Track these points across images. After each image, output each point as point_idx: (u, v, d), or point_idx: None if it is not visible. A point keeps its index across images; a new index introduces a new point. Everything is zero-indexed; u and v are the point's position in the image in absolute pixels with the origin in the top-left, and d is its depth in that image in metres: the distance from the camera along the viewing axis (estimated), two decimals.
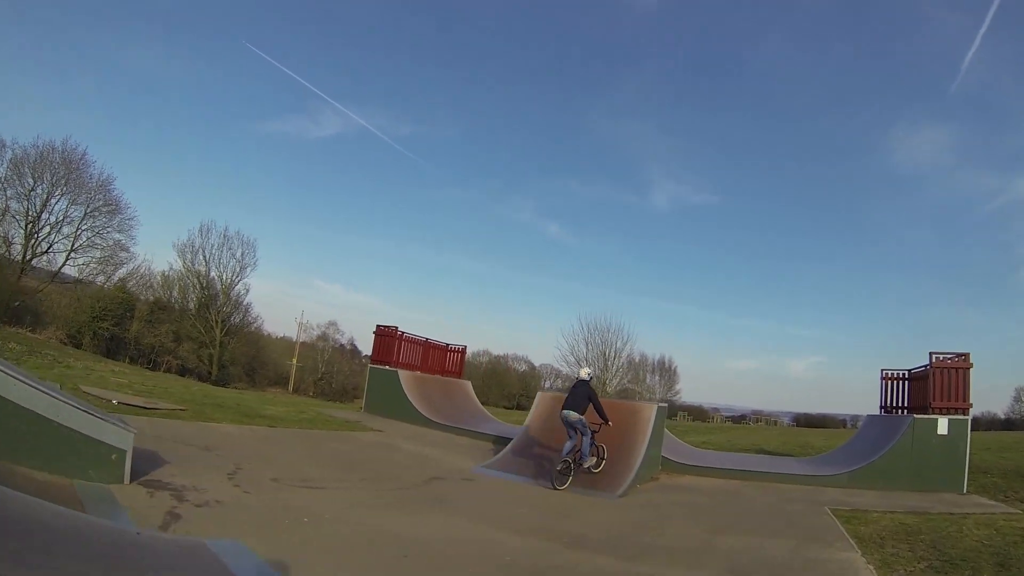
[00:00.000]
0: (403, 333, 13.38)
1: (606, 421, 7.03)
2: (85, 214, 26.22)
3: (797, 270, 64.07)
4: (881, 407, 9.67)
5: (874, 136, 59.37)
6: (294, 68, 66.45)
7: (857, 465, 8.15)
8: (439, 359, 14.37)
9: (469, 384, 14.90)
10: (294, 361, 39.28)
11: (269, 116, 64.57)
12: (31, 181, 24.58)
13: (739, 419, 47.82)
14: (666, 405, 9.54)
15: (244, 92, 58.47)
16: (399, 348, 13.15)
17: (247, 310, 36.87)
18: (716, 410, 49.38)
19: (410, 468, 7.31)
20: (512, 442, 8.84)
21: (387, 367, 12.65)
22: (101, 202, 26.72)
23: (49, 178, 24.96)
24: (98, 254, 27.26)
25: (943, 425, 7.71)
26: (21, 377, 4.00)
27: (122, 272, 29.13)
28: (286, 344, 44.23)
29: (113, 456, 4.33)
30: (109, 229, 27.22)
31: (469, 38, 65.56)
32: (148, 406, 8.07)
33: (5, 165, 23.94)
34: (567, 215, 67.01)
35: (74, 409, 4.24)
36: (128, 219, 27.85)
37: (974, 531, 5.36)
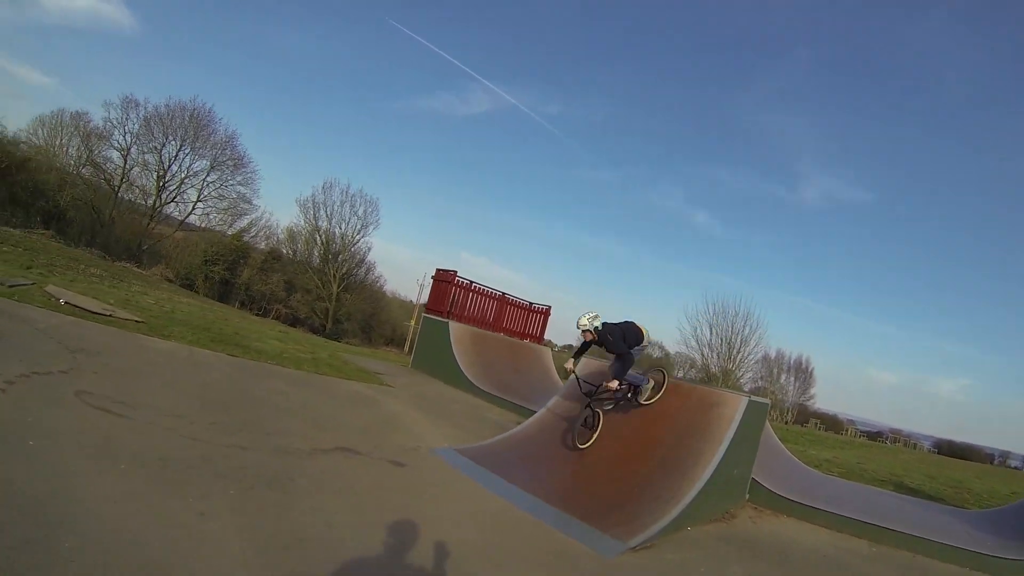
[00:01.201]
0: (471, 282, 13.35)
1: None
2: (211, 167, 34.39)
3: (956, 280, 67.69)
4: None
5: None
6: (441, 47, 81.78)
7: None
8: (517, 319, 14.29)
9: (548, 353, 14.24)
10: (412, 322, 43.24)
11: (418, 93, 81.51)
12: (162, 137, 32.80)
13: (875, 435, 49.27)
14: (767, 403, 6.92)
15: (392, 70, 75.50)
16: (460, 298, 13.11)
17: (369, 268, 43.25)
18: (851, 422, 51.80)
19: (333, 431, 6.26)
20: (520, 427, 7.37)
21: (439, 317, 12.58)
22: (226, 156, 34.80)
23: (179, 134, 33.15)
24: (223, 204, 35.50)
25: None
26: None
27: (243, 222, 36.92)
28: (410, 308, 49.47)
29: None
30: (233, 182, 35.36)
31: (618, 20, 76.77)
32: (100, 311, 8.60)
33: (139, 123, 32.23)
34: (715, 204, 76.25)
35: None
36: (251, 173, 35.87)
37: None
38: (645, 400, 6.58)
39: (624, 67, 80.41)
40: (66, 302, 8.48)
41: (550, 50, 79.43)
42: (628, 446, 6.22)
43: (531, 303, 14.69)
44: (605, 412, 6.49)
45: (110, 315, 8.72)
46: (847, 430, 47.69)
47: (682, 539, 5.04)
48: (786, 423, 38.46)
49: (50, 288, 9.15)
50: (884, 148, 72.71)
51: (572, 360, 6.77)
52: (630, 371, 6.50)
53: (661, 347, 49.95)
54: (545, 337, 15.10)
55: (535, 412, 8.33)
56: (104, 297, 10.79)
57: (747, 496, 6.56)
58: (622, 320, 6.62)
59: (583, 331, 6.29)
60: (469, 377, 11.06)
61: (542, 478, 5.92)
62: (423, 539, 3.88)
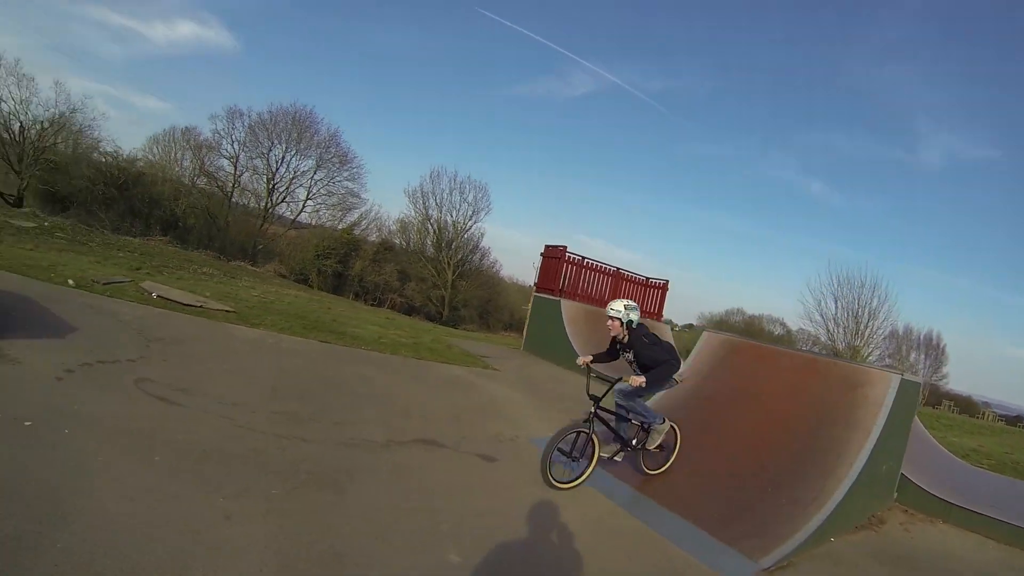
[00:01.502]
0: (583, 258, 13.95)
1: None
2: (317, 166, 39.28)
3: None
4: None
5: None
6: (535, 31, 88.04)
7: None
8: (633, 295, 14.89)
9: (667, 330, 14.52)
10: (528, 306, 44.16)
11: (520, 80, 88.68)
12: (267, 142, 37.85)
13: (1013, 420, 47.37)
14: (919, 382, 6.37)
15: (492, 59, 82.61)
16: (572, 275, 13.71)
17: (484, 254, 46.32)
18: (987, 404, 52.75)
19: (418, 420, 5.99)
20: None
21: (550, 296, 13.07)
22: (331, 154, 39.57)
23: (283, 137, 38.09)
24: (332, 200, 40.15)
25: None
26: None
27: (353, 216, 41.27)
28: (527, 292, 50.94)
29: None
30: (339, 179, 40.13)
31: None
32: (191, 303, 9.19)
33: (244, 131, 37.30)
34: (830, 172, 78.19)
35: None
36: (357, 168, 40.54)
37: None
38: (652, 457, 5.45)
39: (724, 34, 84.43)
40: (158, 295, 9.15)
41: (646, 25, 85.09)
42: (754, 433, 5.76)
43: (647, 278, 15.13)
44: (604, 459, 5.14)
45: (201, 306, 9.28)
46: (983, 413, 46.50)
47: (825, 555, 4.44)
48: None
49: (145, 284, 9.97)
50: (1008, 98, 65.69)
51: (591, 356, 5.38)
52: (646, 403, 5.41)
53: (782, 324, 50.86)
54: (663, 315, 15.52)
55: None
56: (202, 291, 11.65)
57: (895, 496, 6.08)
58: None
59: (611, 319, 5.13)
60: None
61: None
62: (501, 557, 3.29)
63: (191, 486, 3.40)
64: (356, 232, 40.27)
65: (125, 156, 32.69)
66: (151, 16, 60.25)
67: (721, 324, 50.76)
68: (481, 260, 46.04)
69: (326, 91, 72.72)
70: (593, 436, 4.95)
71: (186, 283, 12.97)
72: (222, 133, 37.23)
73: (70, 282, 8.23)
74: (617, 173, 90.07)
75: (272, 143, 38.19)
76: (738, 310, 55.05)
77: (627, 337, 5.13)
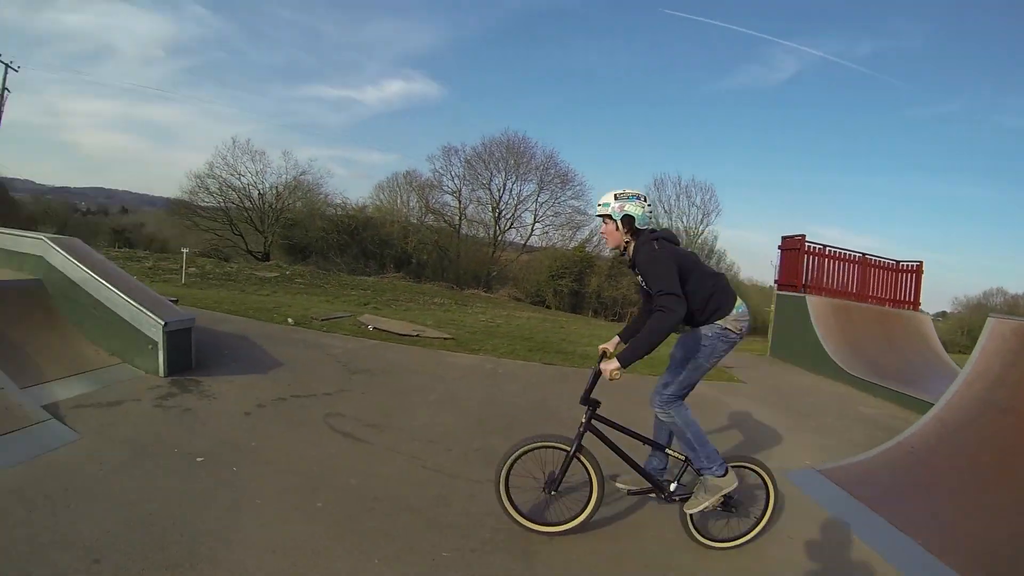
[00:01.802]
0: (824, 247, 13.78)
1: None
2: (539, 189, 43.61)
3: None
4: None
5: None
6: (722, 18, 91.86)
7: None
8: (883, 283, 14.57)
9: (927, 320, 13.88)
10: (771, 307, 43.31)
11: (722, 74, 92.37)
12: (487, 173, 42.96)
13: None
14: None
15: (685, 58, 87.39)
16: (815, 267, 13.68)
17: (720, 257, 48.46)
18: None
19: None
20: (909, 431, 5.50)
21: (793, 292, 13.05)
22: (551, 176, 43.73)
23: (501, 166, 42.92)
24: (559, 221, 43.98)
25: None
26: (93, 274, 5.81)
27: (583, 234, 44.24)
28: (768, 292, 50.70)
29: (149, 347, 5.61)
30: (564, 198, 44.08)
31: None
32: (407, 333, 9.61)
33: (462, 166, 42.96)
34: None
35: (120, 299, 5.71)
36: (579, 185, 44.63)
37: None
38: (706, 521, 3.66)
39: None
40: (374, 327, 9.70)
41: None
42: None
43: (898, 262, 14.74)
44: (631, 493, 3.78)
45: (417, 335, 9.61)
46: None
47: None
48: None
49: (363, 317, 10.72)
50: None
51: (617, 336, 3.83)
52: (690, 411, 3.58)
53: None
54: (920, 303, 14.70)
55: (921, 401, 7.66)
56: (424, 320, 12.26)
57: None
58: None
59: (604, 221, 3.46)
60: (836, 360, 10.93)
61: (952, 523, 4.04)
62: None
63: (347, 542, 3.00)
64: (588, 249, 42.48)
65: (353, 205, 39.55)
66: (362, 84, 75.23)
67: (979, 308, 49.60)
68: (717, 264, 48.26)
69: (534, 116, 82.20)
70: (583, 459, 3.41)
71: (412, 314, 13.91)
72: (441, 171, 42.97)
73: (289, 320, 9.11)
74: (838, 154, 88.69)
75: (491, 173, 42.95)
76: (997, 290, 54.31)
77: (632, 246, 3.45)
